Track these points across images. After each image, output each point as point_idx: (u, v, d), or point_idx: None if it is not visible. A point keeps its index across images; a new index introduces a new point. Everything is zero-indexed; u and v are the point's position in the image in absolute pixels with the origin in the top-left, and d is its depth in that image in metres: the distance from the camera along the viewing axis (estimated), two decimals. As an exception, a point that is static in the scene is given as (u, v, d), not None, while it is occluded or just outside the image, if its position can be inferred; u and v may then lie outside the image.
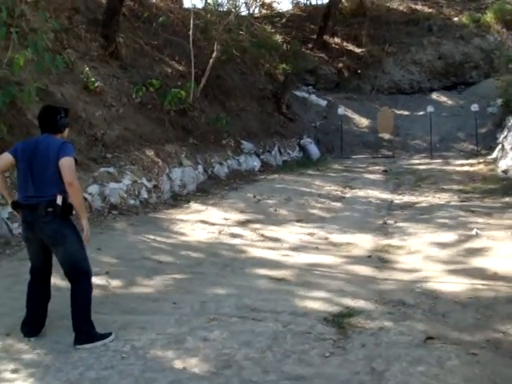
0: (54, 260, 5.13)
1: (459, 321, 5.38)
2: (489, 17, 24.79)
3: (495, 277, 6.66)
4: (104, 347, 4.83)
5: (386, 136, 21.79)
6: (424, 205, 11.58)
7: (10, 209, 8.39)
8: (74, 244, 4.96)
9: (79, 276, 5.01)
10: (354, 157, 20.77)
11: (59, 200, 4.84)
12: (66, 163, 4.81)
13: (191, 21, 16.36)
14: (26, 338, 5.04)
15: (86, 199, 10.00)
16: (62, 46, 13.03)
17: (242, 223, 10.21)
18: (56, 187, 4.85)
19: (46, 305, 5.22)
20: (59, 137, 5.09)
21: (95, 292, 6.06)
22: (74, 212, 5.03)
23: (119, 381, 4.24)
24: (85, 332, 4.94)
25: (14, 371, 4.43)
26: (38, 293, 5.19)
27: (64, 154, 4.82)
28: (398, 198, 12.59)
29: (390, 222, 10.22)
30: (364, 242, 8.87)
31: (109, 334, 5.04)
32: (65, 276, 5.08)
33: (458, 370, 4.34)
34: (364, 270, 7.35)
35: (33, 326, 5.13)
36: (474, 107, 20.39)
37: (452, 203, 11.47)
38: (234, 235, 9.39)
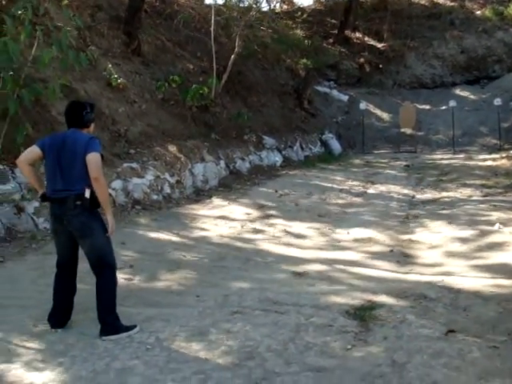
0: (80, 253, 5.23)
1: (480, 314, 5.38)
2: (512, 10, 24.58)
3: (517, 271, 6.65)
4: (129, 339, 4.92)
5: (408, 131, 21.70)
6: (446, 200, 11.54)
7: (36, 204, 8.62)
8: (100, 237, 5.05)
9: (105, 268, 5.09)
10: (376, 152, 20.74)
11: (87, 193, 4.94)
12: (93, 159, 4.90)
13: (212, 17, 16.44)
14: (53, 329, 5.15)
15: (110, 194, 10.12)
16: (85, 43, 13.18)
17: (264, 218, 10.27)
18: (84, 181, 4.94)
19: (72, 297, 5.32)
20: (85, 132, 5.19)
21: (120, 285, 6.16)
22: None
23: (144, 371, 4.32)
24: (110, 323, 5.03)
25: (42, 361, 4.52)
26: (65, 285, 5.29)
27: (91, 150, 4.92)
28: (420, 193, 12.56)
29: (411, 216, 10.21)
30: (385, 236, 8.88)
31: (134, 326, 5.13)
32: (90, 268, 5.16)
33: (479, 362, 4.35)
34: (385, 265, 7.37)
35: (59, 317, 5.23)
36: (497, 101, 20.23)
37: (474, 198, 11.44)
38: (256, 230, 9.45)
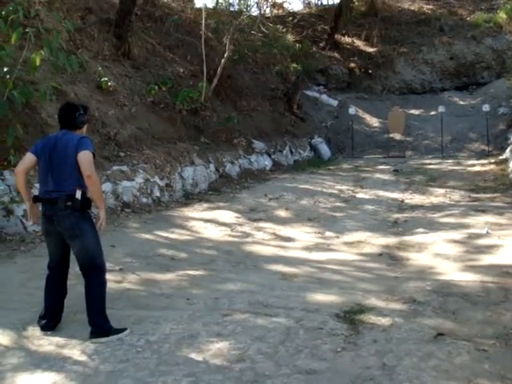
0: (72, 257, 5.23)
1: (469, 318, 5.41)
2: (501, 17, 24.73)
3: (506, 275, 6.68)
4: (119, 341, 4.91)
5: (397, 136, 21.79)
6: (435, 204, 11.60)
7: (25, 206, 8.55)
8: (90, 238, 5.06)
9: (93, 270, 5.09)
10: (365, 157, 20.82)
11: (78, 194, 4.96)
12: (84, 156, 4.91)
13: (203, 20, 16.46)
14: (43, 331, 5.14)
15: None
16: (75, 45, 13.16)
17: (254, 222, 10.28)
18: (75, 182, 4.96)
19: (62, 300, 5.32)
20: (78, 133, 5.20)
21: (110, 288, 6.16)
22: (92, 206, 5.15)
23: (135, 373, 4.32)
24: (100, 326, 5.02)
25: (32, 364, 4.51)
26: (56, 288, 5.29)
27: (82, 148, 4.94)
28: (409, 198, 12.61)
29: (400, 221, 10.26)
30: (375, 240, 8.91)
31: (124, 329, 5.12)
32: (80, 270, 5.16)
33: (467, 365, 4.38)
34: (375, 268, 7.40)
35: (50, 320, 5.22)
36: (486, 107, 20.37)
37: (463, 203, 11.50)
38: (245, 233, 9.47)
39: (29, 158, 5.17)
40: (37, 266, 7.05)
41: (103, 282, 5.19)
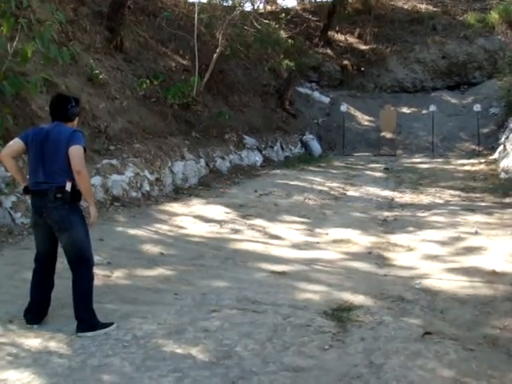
0: (59, 250, 5.19)
1: (457, 317, 5.43)
2: (493, 17, 24.73)
3: (494, 275, 6.71)
4: (105, 336, 4.89)
5: (388, 134, 21.79)
6: (424, 203, 11.62)
7: (13, 198, 8.53)
8: (79, 231, 5.03)
9: (81, 264, 5.06)
10: (356, 154, 20.82)
11: (68, 186, 4.93)
12: (76, 151, 4.89)
13: (196, 15, 16.40)
14: (29, 325, 5.10)
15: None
16: (67, 37, 13.07)
17: (243, 218, 10.26)
18: (65, 174, 4.93)
19: (49, 293, 5.28)
20: (69, 125, 5.18)
21: (97, 282, 6.13)
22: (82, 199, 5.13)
23: (121, 368, 4.30)
24: (86, 320, 4.99)
25: (17, 357, 4.48)
26: (42, 281, 5.25)
27: (74, 142, 4.91)
28: (399, 196, 12.63)
29: (390, 219, 10.27)
30: (364, 238, 8.92)
31: (110, 324, 5.10)
32: (68, 263, 5.13)
33: (455, 364, 4.39)
34: (364, 266, 7.41)
35: (36, 313, 5.19)
36: (477, 107, 20.42)
37: (453, 202, 11.54)
38: (235, 229, 9.45)
39: (17, 144, 5.13)
40: (24, 258, 7.00)
41: (91, 277, 5.17)
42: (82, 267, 5.08)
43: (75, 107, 5.27)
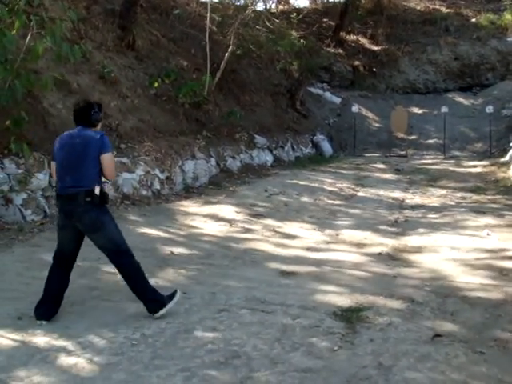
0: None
1: (468, 319, 5.38)
2: (507, 18, 24.62)
3: (505, 278, 6.66)
4: (114, 334, 4.88)
5: (400, 135, 21.74)
6: (435, 205, 11.57)
7: (24, 195, 8.57)
8: (111, 229, 5.25)
9: (122, 257, 5.28)
10: (367, 155, 20.78)
11: (97, 190, 5.11)
12: (108, 160, 5.21)
13: (208, 14, 16.40)
14: (38, 320, 5.13)
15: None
16: (79, 35, 13.09)
17: (253, 217, 10.25)
18: (94, 178, 5.14)
19: (63, 292, 5.37)
20: (94, 131, 5.34)
21: (107, 280, 6.17)
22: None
23: (129, 367, 4.29)
24: (152, 300, 5.26)
25: (26, 354, 4.48)
26: (58, 279, 5.35)
27: (105, 150, 5.17)
28: (410, 198, 12.58)
29: (400, 220, 10.22)
30: (374, 239, 8.87)
31: (175, 293, 5.40)
32: (110, 261, 5.35)
33: (465, 367, 4.35)
34: (374, 267, 7.36)
35: (47, 309, 5.23)
36: (489, 109, 20.34)
37: (464, 204, 11.47)
38: (245, 229, 9.44)
39: (53, 165, 5.44)
40: (35, 255, 7.04)
41: (136, 263, 5.35)
42: (124, 260, 5.29)
43: (98, 113, 5.40)
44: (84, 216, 5.11)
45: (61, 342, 4.70)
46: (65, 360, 4.39)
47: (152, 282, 6.29)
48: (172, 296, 5.36)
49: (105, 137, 5.22)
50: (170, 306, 5.29)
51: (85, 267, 6.56)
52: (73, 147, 5.16)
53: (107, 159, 5.17)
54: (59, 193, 5.25)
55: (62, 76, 10.93)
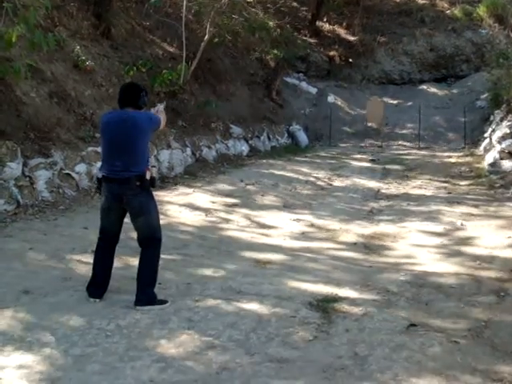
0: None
1: (442, 309, 5.42)
2: (481, 10, 24.78)
3: (479, 267, 6.72)
4: (88, 325, 4.83)
5: (375, 125, 21.82)
6: (410, 194, 11.64)
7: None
8: (154, 216, 5.43)
9: (153, 243, 5.41)
10: (343, 145, 20.84)
11: (148, 175, 5.22)
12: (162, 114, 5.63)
13: (184, 2, 16.25)
14: (91, 298, 5.36)
15: (73, 178, 9.99)
16: (53, 23, 12.90)
17: (229, 207, 10.21)
18: (144, 163, 5.24)
19: (110, 269, 5.59)
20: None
21: (82, 270, 6.11)
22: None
23: (103, 358, 4.25)
24: (147, 294, 5.26)
25: (-2, 346, 4.42)
26: (106, 257, 5.54)
27: (155, 118, 5.44)
28: (385, 188, 12.64)
29: (376, 210, 10.27)
30: (350, 229, 8.90)
31: (165, 301, 5.34)
32: (139, 242, 5.47)
33: (439, 357, 4.38)
34: (349, 257, 7.39)
35: (98, 287, 5.44)
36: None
37: (438, 194, 11.55)
38: (220, 219, 9.40)
39: None
40: (7, 246, 6.92)
41: (159, 254, 5.47)
42: (153, 246, 5.41)
43: (146, 97, 5.45)
44: (134, 199, 5.22)
45: (34, 334, 4.63)
46: (38, 351, 4.33)
47: (127, 271, 6.27)
48: (162, 302, 5.33)
49: (148, 112, 5.46)
50: (155, 307, 5.22)
51: (59, 257, 6.49)
52: (124, 129, 5.16)
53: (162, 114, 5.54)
54: (108, 176, 5.25)
55: (36, 63, 10.78)
